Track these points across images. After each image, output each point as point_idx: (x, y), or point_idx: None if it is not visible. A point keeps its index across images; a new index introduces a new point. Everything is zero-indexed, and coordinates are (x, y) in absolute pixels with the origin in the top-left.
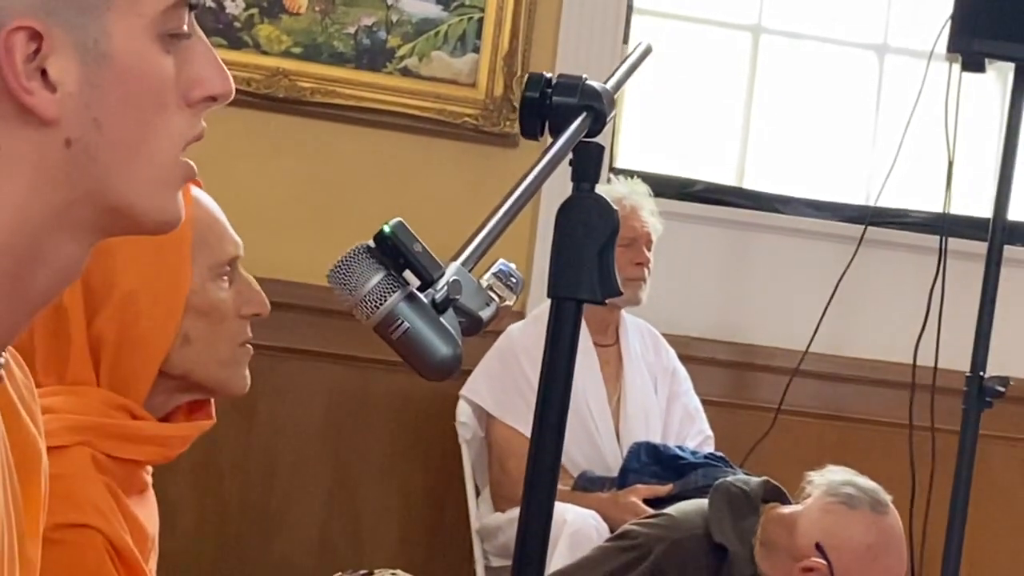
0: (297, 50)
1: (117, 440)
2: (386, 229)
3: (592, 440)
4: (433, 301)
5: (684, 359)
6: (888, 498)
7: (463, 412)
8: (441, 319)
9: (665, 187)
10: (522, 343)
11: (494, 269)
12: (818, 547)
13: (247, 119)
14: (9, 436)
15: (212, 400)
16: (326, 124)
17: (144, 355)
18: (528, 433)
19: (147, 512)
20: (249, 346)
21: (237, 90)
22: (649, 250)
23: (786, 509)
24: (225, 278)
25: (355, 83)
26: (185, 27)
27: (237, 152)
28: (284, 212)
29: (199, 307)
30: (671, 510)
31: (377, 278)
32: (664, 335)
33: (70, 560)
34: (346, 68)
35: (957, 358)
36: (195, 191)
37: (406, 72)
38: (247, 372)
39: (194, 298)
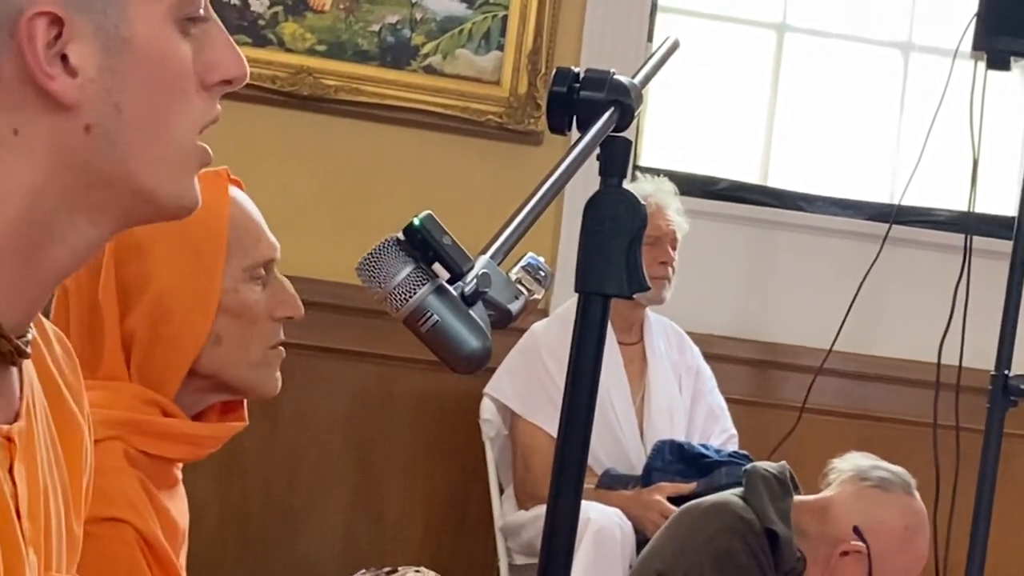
0: (321, 48)
1: (149, 436)
2: (416, 222)
3: (616, 438)
4: (462, 294)
5: (708, 357)
6: (913, 480)
7: (487, 410)
8: (470, 312)
9: (689, 185)
10: (546, 341)
11: (523, 262)
12: (856, 531)
13: (271, 117)
14: (51, 410)
15: (245, 402)
16: (350, 122)
17: (175, 353)
18: (552, 431)
19: (178, 506)
20: (281, 348)
21: (262, 88)
22: (674, 249)
23: (811, 497)
24: (259, 280)
25: (379, 81)
26: (201, 11)
27: (261, 150)
28: (308, 210)
29: (232, 308)
30: (716, 510)
31: (406, 271)
32: (688, 333)
33: (102, 553)
34: (370, 66)
35: (982, 356)
36: (234, 192)
37: (430, 70)
38: (278, 374)
39: (227, 299)
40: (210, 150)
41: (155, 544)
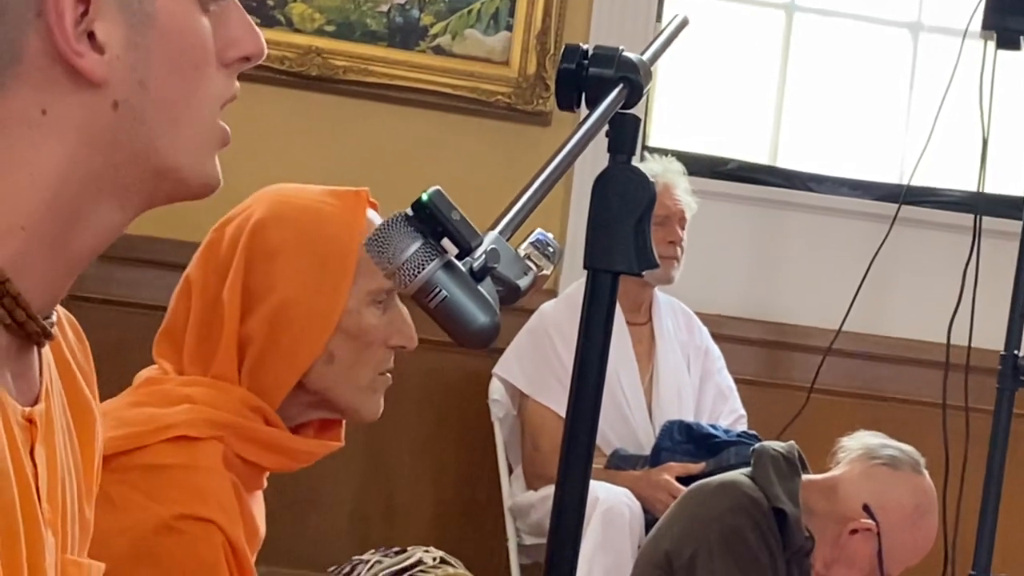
0: (330, 28)
1: (249, 443)
2: (424, 197)
3: (625, 418)
4: (471, 269)
5: (717, 338)
6: (923, 459)
7: (496, 390)
8: (479, 287)
9: (698, 166)
10: (554, 321)
11: (531, 238)
12: (865, 508)
13: (280, 97)
14: (66, 394)
15: (343, 422)
16: (359, 102)
17: (287, 364)
18: (560, 411)
19: (259, 510)
20: (389, 375)
21: (270, 68)
22: (683, 228)
23: (820, 475)
24: (381, 305)
25: (388, 61)
26: None
27: (269, 130)
28: None
29: (350, 329)
30: (725, 489)
31: (415, 246)
32: (697, 314)
33: (188, 551)
34: (379, 46)
35: (991, 337)
36: (371, 214)
37: (439, 50)
38: (381, 400)
39: (347, 319)
40: (229, 131)
41: (239, 550)
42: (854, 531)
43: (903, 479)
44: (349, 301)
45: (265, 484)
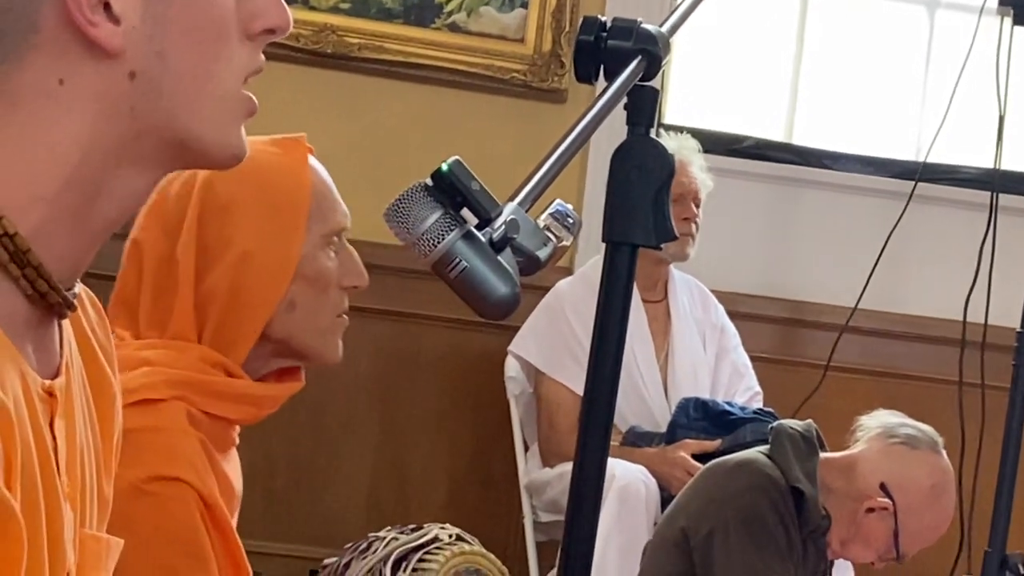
0: (345, 6)
1: (211, 397)
2: (444, 167)
3: (640, 396)
4: (491, 240)
5: (732, 315)
6: (941, 439)
7: (512, 368)
8: (499, 258)
9: (714, 143)
10: (570, 299)
11: (551, 209)
12: (882, 487)
13: (295, 75)
14: (85, 370)
15: (301, 368)
16: (374, 80)
17: (250, 316)
18: (576, 388)
19: (233, 469)
20: (345, 316)
21: (285, 46)
22: (698, 206)
23: (838, 453)
24: (334, 248)
25: (403, 39)
26: None
27: (284, 108)
28: (331, 168)
29: (308, 275)
30: (742, 467)
31: (435, 216)
32: (713, 291)
33: (161, 512)
34: (394, 23)
35: (1008, 314)
36: (312, 160)
37: (454, 28)
38: (340, 342)
39: (304, 265)
40: (256, 100)
41: (214, 507)
42: (870, 509)
43: (921, 458)
44: (305, 247)
45: (236, 440)
